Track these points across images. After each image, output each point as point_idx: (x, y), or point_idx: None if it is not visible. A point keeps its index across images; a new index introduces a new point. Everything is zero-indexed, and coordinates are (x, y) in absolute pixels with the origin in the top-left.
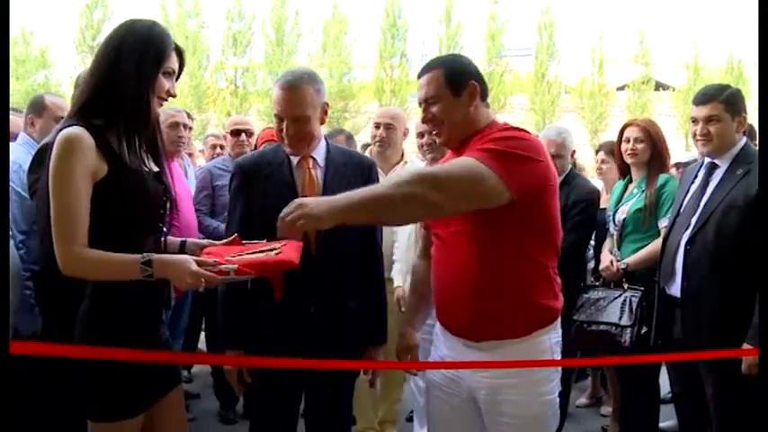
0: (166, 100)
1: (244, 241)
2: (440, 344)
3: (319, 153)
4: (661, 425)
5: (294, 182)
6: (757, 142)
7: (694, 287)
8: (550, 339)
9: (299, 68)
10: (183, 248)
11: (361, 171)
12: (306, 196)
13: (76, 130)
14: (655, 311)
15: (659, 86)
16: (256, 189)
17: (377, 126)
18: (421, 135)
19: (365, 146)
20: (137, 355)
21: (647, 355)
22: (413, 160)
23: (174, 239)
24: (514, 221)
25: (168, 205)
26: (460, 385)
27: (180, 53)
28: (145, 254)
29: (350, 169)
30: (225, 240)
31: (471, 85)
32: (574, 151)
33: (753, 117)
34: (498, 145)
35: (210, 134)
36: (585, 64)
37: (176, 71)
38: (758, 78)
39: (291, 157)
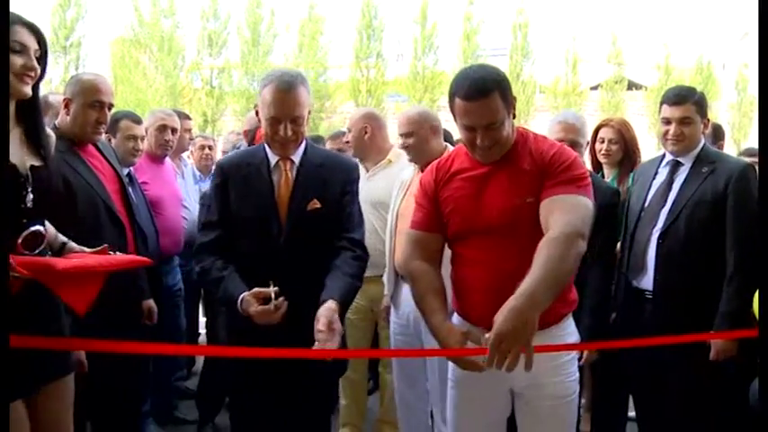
0: (32, 77)
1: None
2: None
3: (297, 154)
4: (630, 413)
5: (272, 183)
6: (723, 142)
7: (668, 279)
8: (573, 322)
9: (285, 69)
10: (61, 251)
11: (339, 171)
12: (281, 197)
13: None
14: (618, 302)
15: (632, 86)
16: (235, 189)
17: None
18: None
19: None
20: (126, 347)
21: (629, 341)
22: (398, 156)
23: (59, 240)
24: None
25: (29, 197)
26: (498, 379)
27: (32, 29)
28: None
29: (326, 171)
30: (94, 249)
31: (514, 98)
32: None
33: (722, 117)
34: (577, 172)
35: (199, 135)
36: (560, 64)
37: (29, 46)
38: (758, 78)
39: (270, 158)
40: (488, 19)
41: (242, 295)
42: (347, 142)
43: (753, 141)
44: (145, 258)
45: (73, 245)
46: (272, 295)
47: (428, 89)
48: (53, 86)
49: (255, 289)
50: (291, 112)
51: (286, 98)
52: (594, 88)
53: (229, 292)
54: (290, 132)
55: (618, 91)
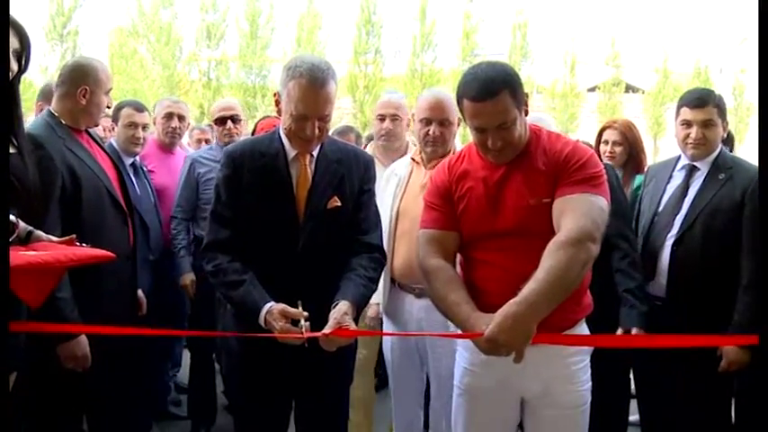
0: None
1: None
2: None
3: (316, 147)
4: (630, 418)
5: (291, 178)
6: (732, 147)
7: (681, 287)
8: (586, 327)
9: (314, 59)
10: (27, 239)
11: (357, 167)
12: (299, 193)
13: None
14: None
15: (629, 89)
16: (248, 182)
17: (381, 118)
18: (428, 122)
19: (369, 138)
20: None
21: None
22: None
23: (27, 228)
24: None
25: (16, 186)
26: (510, 387)
27: (14, 26)
28: None
29: (344, 166)
30: (61, 239)
31: (525, 95)
32: None
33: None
34: (591, 170)
35: (196, 127)
36: (558, 65)
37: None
38: (758, 80)
39: (288, 151)
40: (488, 18)
41: (268, 306)
42: (387, 133)
43: (749, 147)
44: (109, 253)
45: (39, 233)
46: (302, 320)
47: (426, 86)
48: (49, 74)
49: (285, 306)
50: (322, 110)
51: (318, 95)
52: (592, 90)
53: (252, 300)
54: (318, 131)
55: (615, 93)
